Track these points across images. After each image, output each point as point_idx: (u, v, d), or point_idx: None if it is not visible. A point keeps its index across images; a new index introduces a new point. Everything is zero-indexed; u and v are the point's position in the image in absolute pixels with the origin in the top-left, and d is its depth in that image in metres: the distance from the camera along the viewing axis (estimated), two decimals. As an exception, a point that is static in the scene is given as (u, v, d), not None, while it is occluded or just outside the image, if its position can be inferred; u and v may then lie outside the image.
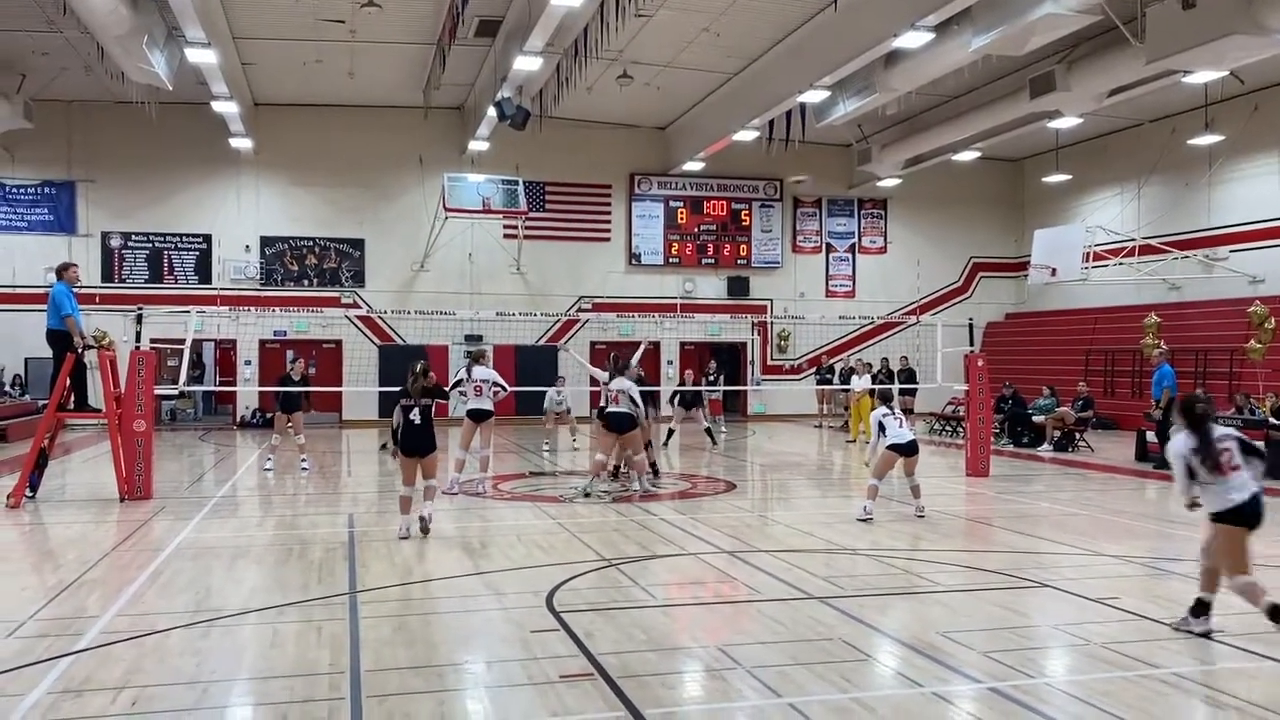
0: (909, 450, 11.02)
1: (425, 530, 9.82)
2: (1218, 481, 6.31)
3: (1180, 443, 6.48)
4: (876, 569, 8.56)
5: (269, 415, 25.07)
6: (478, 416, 13.24)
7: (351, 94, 24.51)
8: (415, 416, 9.68)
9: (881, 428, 10.97)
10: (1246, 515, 6.25)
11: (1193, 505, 6.52)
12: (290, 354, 19.87)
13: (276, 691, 5.47)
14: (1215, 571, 6.42)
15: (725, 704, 5.33)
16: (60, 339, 12.27)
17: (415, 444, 9.75)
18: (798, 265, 29.60)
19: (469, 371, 13.42)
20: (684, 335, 28.07)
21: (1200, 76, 18.33)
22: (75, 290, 12.57)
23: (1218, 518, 6.33)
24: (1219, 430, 6.49)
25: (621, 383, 12.85)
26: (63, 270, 12.69)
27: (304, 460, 15.49)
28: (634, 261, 28.25)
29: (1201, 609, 6.47)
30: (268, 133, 25.48)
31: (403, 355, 21.57)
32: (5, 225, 24.78)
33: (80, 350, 12.31)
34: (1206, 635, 6.37)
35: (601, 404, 13.29)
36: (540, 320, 26.06)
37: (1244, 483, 6.30)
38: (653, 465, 14.27)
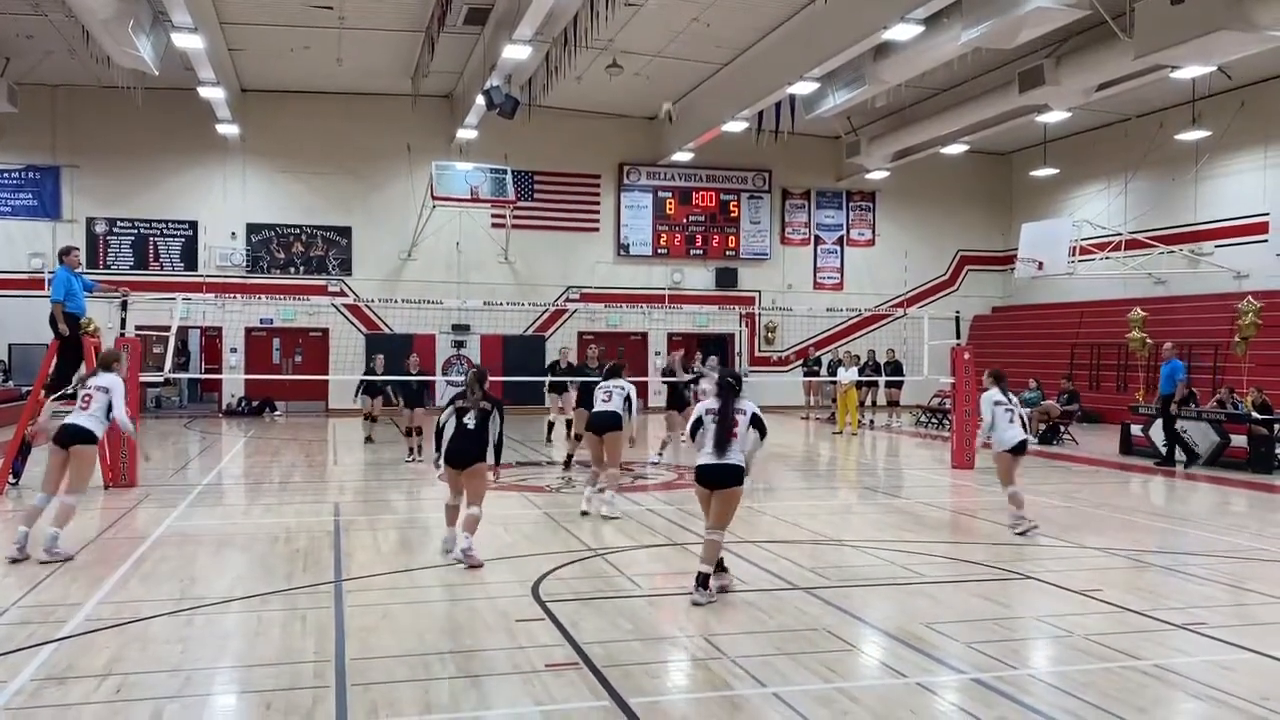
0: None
1: (475, 565, 8.10)
2: None
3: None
4: (861, 560, 8.59)
5: (255, 403, 25.11)
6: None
7: (340, 81, 24.37)
8: (470, 421, 8.43)
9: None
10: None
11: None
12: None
13: (260, 679, 5.46)
14: None
15: (710, 693, 5.34)
16: (64, 320, 12.21)
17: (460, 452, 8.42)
18: (786, 257, 29.64)
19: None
20: (672, 326, 28.10)
21: (1188, 72, 18.40)
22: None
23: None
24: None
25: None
26: (64, 254, 12.61)
27: None
28: (622, 252, 28.23)
29: None
30: (255, 119, 25.32)
31: (390, 344, 21.58)
32: (-11, 210, 24.61)
33: (66, 335, 12.23)
34: None
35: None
36: (528, 310, 26.04)
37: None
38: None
